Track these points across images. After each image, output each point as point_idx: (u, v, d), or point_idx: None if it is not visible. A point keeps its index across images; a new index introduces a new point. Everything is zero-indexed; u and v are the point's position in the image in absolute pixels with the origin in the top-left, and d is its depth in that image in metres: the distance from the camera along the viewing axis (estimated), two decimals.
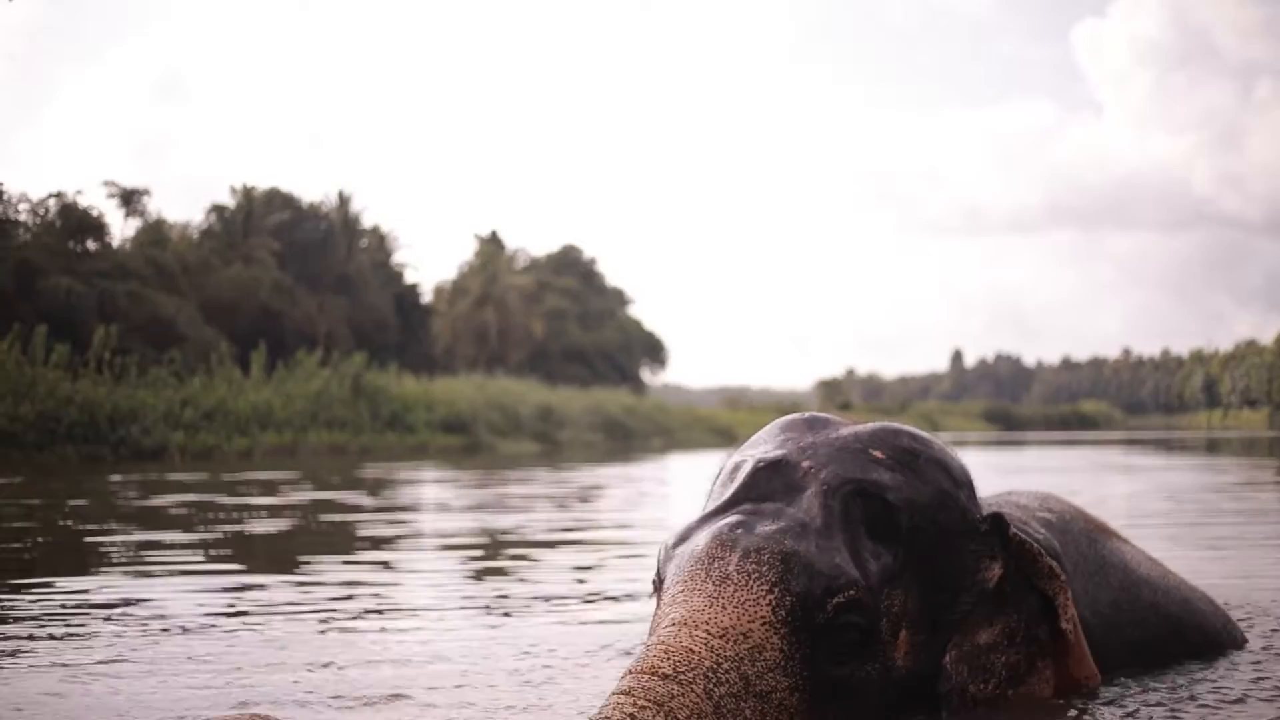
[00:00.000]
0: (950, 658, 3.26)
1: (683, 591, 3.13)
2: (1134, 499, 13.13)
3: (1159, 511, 11.23)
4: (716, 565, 3.12)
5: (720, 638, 2.99)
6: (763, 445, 3.51)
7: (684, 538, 3.29)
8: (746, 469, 3.39)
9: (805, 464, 3.33)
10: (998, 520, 3.40)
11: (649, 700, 2.87)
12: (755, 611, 3.02)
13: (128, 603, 5.74)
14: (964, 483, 3.45)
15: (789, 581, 3.04)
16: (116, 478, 18.24)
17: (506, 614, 5.46)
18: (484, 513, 12.03)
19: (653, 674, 2.93)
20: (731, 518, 3.25)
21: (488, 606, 5.70)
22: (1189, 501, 12.70)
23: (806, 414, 3.65)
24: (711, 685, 2.91)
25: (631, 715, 2.84)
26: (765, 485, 3.33)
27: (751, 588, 3.04)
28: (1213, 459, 27.16)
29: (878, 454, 3.36)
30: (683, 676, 2.91)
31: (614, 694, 2.92)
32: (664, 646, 2.99)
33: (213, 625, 5.15)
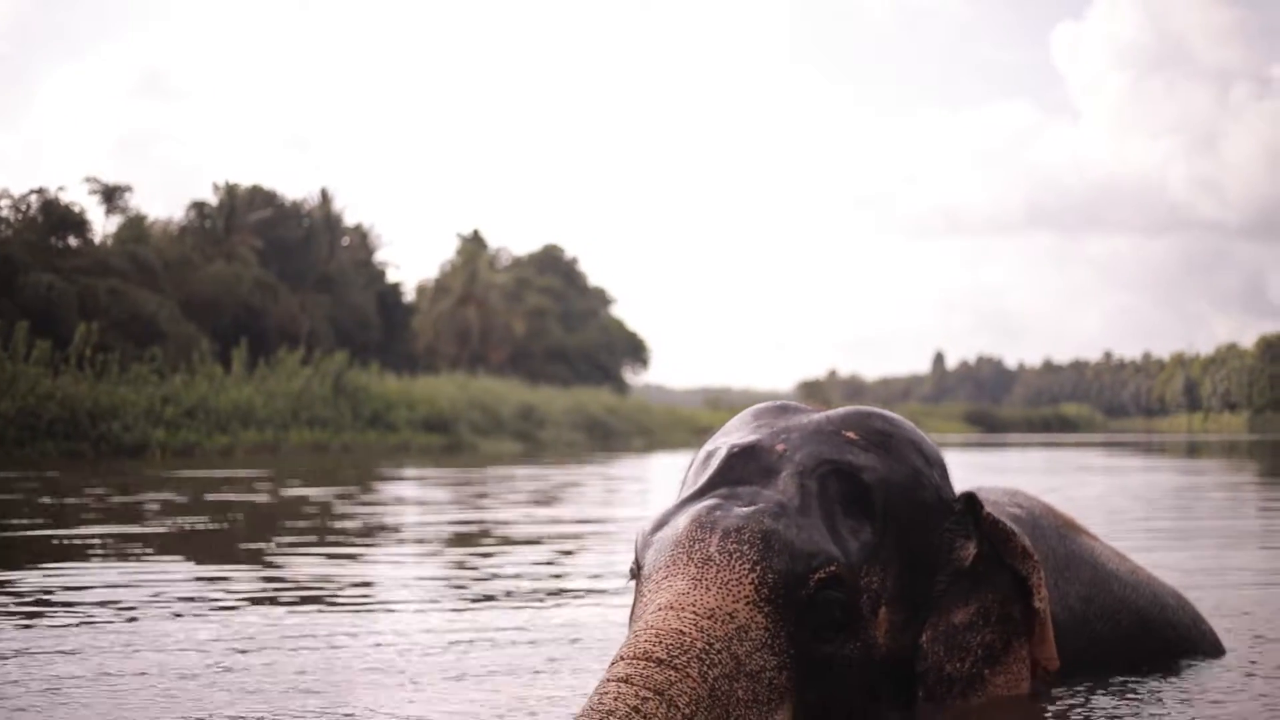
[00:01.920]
0: (926, 637, 3.29)
1: (666, 575, 3.14)
2: (1109, 499, 13.19)
3: (1131, 510, 11.29)
4: (698, 547, 3.14)
5: (708, 619, 3.00)
6: (736, 432, 3.55)
7: (661, 524, 3.30)
8: (721, 455, 3.42)
9: (779, 447, 3.37)
10: (971, 500, 3.43)
11: (649, 689, 2.87)
12: (739, 591, 3.04)
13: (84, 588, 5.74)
14: (936, 463, 3.49)
15: (770, 559, 3.06)
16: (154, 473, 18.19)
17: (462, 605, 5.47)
18: (456, 509, 12.03)
19: (647, 660, 2.93)
20: (709, 501, 3.27)
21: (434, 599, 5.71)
22: (1163, 502, 12.77)
23: (778, 402, 3.68)
24: (705, 668, 2.92)
25: (635, 708, 2.83)
26: (740, 470, 3.36)
27: (734, 567, 3.06)
28: (1192, 462, 27.27)
29: (851, 435, 3.40)
30: (677, 661, 2.92)
31: (610, 681, 2.91)
32: (654, 630, 2.99)
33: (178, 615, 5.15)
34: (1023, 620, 3.45)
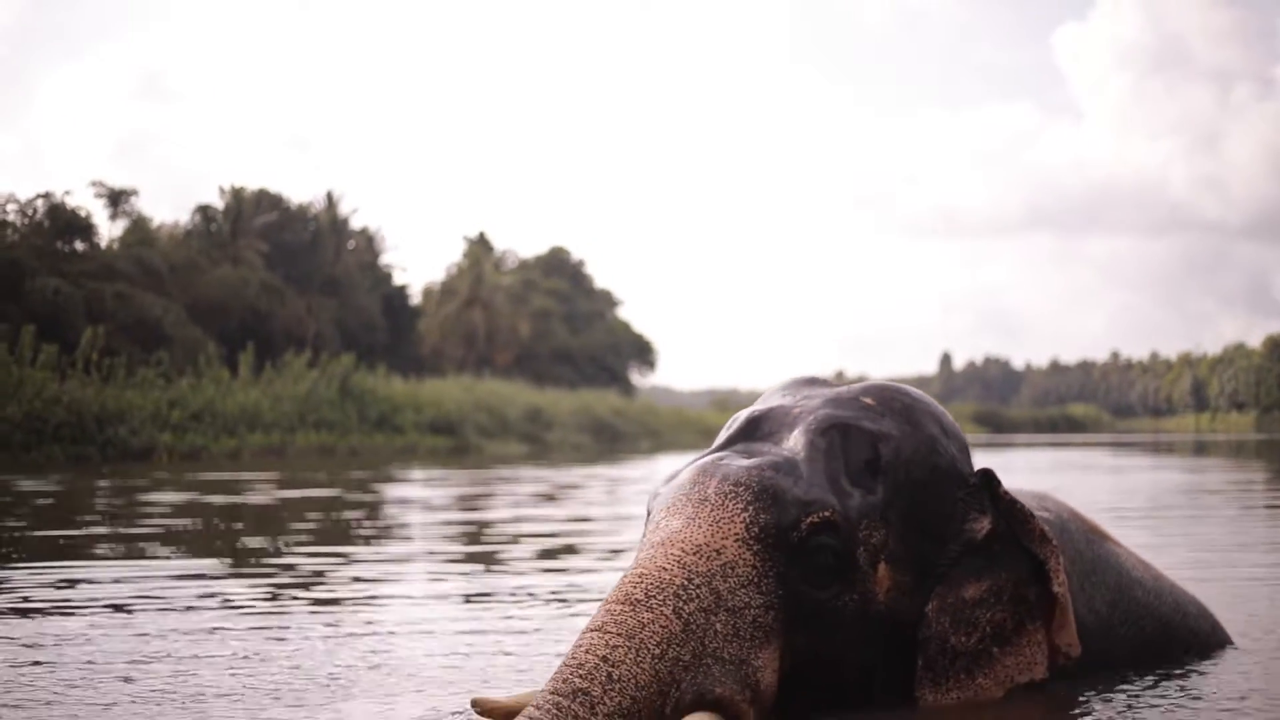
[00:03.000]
0: (932, 607, 3.31)
1: (665, 516, 3.27)
2: (1115, 497, 13.15)
3: (1136, 508, 11.26)
4: (696, 490, 3.26)
5: (694, 554, 3.10)
6: (763, 401, 3.65)
7: (672, 476, 3.43)
8: (741, 419, 3.56)
9: (796, 410, 3.47)
10: (988, 475, 3.46)
11: (620, 634, 2.99)
12: (729, 529, 3.14)
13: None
14: (955, 437, 3.52)
15: (764, 501, 3.16)
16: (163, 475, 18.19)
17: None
18: (462, 510, 12.01)
19: (625, 603, 3.05)
20: (717, 454, 3.42)
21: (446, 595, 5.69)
22: (1173, 502, 12.73)
23: (808, 375, 3.76)
24: (681, 603, 3.02)
25: (605, 657, 2.96)
26: (757, 431, 3.48)
27: (727, 507, 3.17)
28: (1199, 460, 27.22)
29: (869, 401, 3.48)
30: (653, 601, 3.03)
31: (587, 631, 3.03)
32: (639, 571, 3.11)
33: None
34: (1039, 605, 3.44)
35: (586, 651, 2.97)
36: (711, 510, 3.18)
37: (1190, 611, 4.22)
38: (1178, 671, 3.92)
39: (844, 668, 3.22)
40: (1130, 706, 3.51)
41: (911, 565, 3.30)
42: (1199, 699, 3.61)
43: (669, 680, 2.95)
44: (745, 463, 3.30)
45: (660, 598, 3.03)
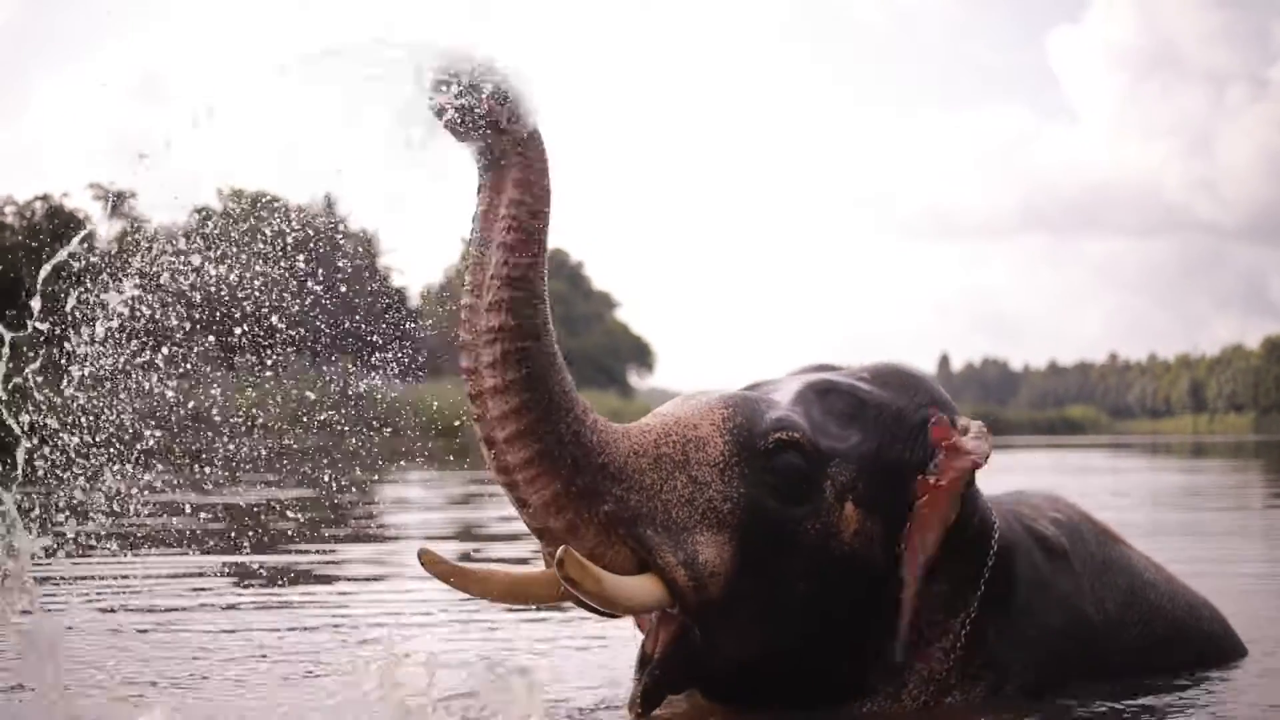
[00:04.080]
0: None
1: (654, 412, 3.45)
2: (1115, 497, 13.16)
3: (1136, 508, 11.27)
4: (690, 398, 3.44)
5: (674, 422, 3.27)
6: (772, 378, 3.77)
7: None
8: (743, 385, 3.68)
9: (799, 377, 3.62)
10: (950, 416, 3.49)
11: (611, 426, 3.20)
12: (708, 416, 3.29)
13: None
14: (948, 408, 3.55)
15: (742, 410, 3.32)
16: None
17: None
18: (455, 510, 12.00)
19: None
20: None
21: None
22: (1169, 501, 12.74)
23: (822, 363, 3.85)
24: (660, 440, 3.21)
25: (603, 421, 3.16)
26: (757, 388, 3.62)
27: (710, 402, 3.34)
28: (1197, 462, 27.23)
29: (864, 373, 3.61)
30: (638, 427, 3.26)
31: None
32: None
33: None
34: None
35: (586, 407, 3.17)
36: (695, 403, 3.35)
37: (1203, 615, 4.21)
38: (1191, 675, 3.92)
39: (797, 599, 3.26)
40: (1144, 709, 3.51)
41: (879, 512, 3.34)
42: (1213, 703, 3.62)
43: (630, 475, 3.12)
44: (732, 390, 3.49)
45: (643, 428, 3.24)
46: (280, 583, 6.55)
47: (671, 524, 3.13)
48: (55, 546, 3.72)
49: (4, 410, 3.52)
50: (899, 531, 3.35)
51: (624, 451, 3.13)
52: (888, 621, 3.32)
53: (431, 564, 3.31)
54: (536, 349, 3.04)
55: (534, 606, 5.06)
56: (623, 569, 3.11)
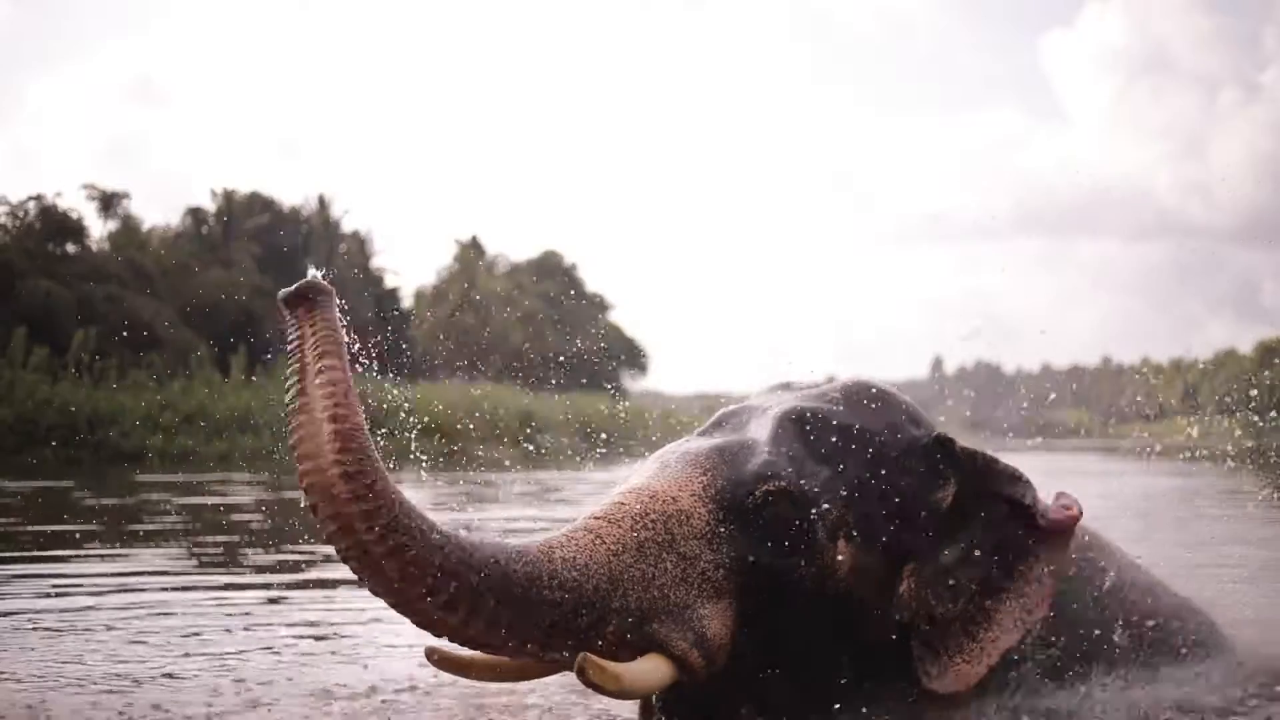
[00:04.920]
0: (908, 586, 3.29)
1: (626, 481, 3.34)
2: (1106, 501, 13.16)
3: (1129, 511, 11.26)
4: (659, 460, 3.34)
5: (651, 498, 3.17)
6: (737, 405, 3.70)
7: (641, 463, 3.48)
8: (716, 415, 3.62)
9: (765, 407, 3.52)
10: (941, 440, 3.46)
11: (580, 528, 3.08)
12: (686, 486, 3.19)
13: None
14: (924, 423, 3.52)
15: (721, 468, 3.23)
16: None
17: None
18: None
19: (588, 517, 3.14)
20: (685, 439, 3.49)
21: None
22: (1163, 504, 12.74)
23: (784, 381, 3.81)
24: (638, 528, 3.09)
25: (570, 536, 3.04)
26: (724, 425, 3.54)
27: (686, 470, 3.24)
28: (1190, 465, 27.24)
29: (834, 395, 3.53)
30: (612, 517, 3.11)
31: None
32: (599, 506, 3.19)
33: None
34: (1026, 542, 3.41)
35: (552, 537, 3.07)
36: (671, 472, 3.25)
37: (1188, 615, 4.23)
38: (1175, 675, 3.92)
39: (800, 644, 3.22)
40: (1129, 709, 3.52)
41: (879, 549, 3.28)
42: (1196, 703, 3.63)
43: (620, 579, 3.02)
44: (706, 441, 3.39)
45: (619, 515, 3.12)
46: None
47: (671, 608, 3.05)
48: None
49: None
50: (894, 559, 3.30)
51: (603, 561, 3.02)
52: (890, 650, 3.29)
53: (442, 663, 3.25)
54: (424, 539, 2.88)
55: None
56: (633, 655, 3.04)
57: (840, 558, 3.23)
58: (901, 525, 3.33)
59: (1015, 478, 3.46)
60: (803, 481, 3.23)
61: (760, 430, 3.38)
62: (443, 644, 3.20)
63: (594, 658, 2.89)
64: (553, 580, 2.94)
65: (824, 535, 3.21)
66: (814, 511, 3.21)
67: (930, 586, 3.31)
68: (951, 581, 3.33)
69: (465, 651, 3.17)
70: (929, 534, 3.35)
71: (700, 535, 3.13)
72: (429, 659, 3.23)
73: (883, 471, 3.34)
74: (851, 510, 3.27)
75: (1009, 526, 3.42)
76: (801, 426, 3.36)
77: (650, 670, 3.00)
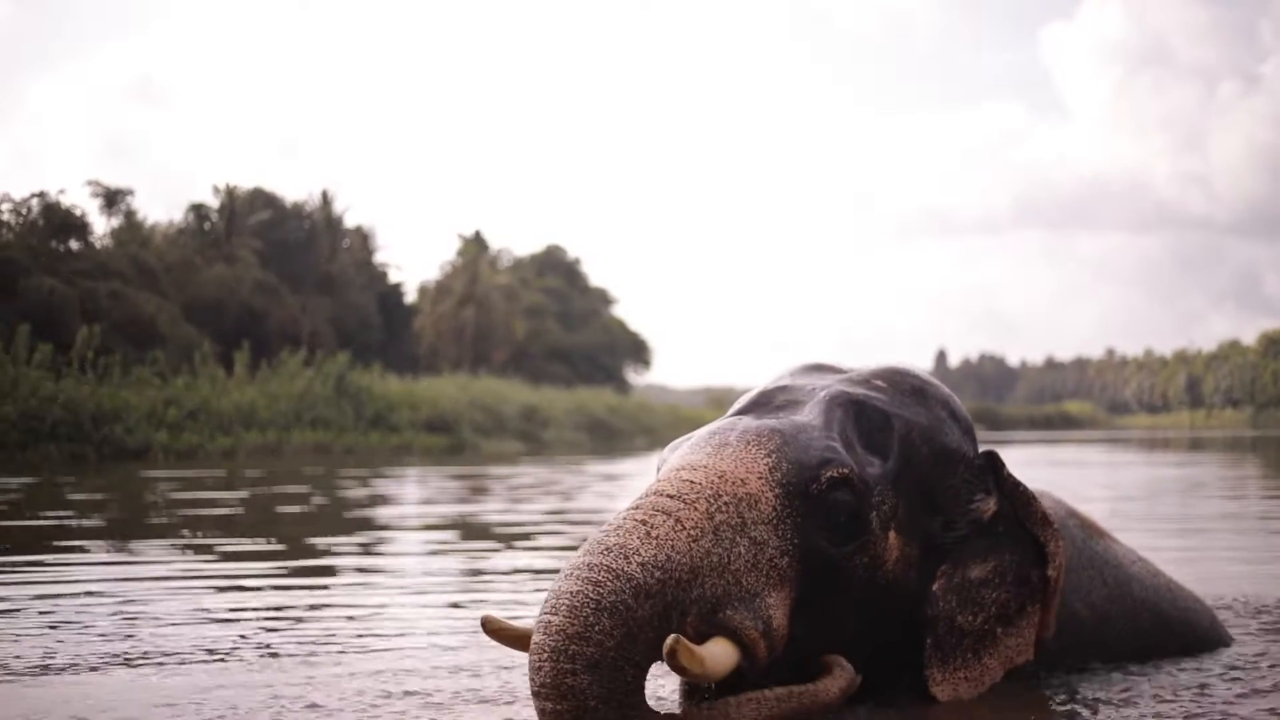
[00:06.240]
0: (939, 586, 3.32)
1: (682, 455, 3.25)
2: (1110, 491, 13.18)
3: (1132, 501, 11.28)
4: (717, 437, 3.25)
5: (720, 478, 3.09)
6: (774, 381, 3.65)
7: (683, 441, 3.42)
8: (754, 392, 3.58)
9: (809, 388, 3.48)
10: (992, 457, 3.50)
11: (658, 510, 2.99)
12: (753, 467, 3.13)
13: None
14: (962, 420, 3.56)
15: (785, 450, 3.16)
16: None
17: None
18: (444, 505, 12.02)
19: (657, 494, 3.05)
20: (732, 417, 3.41)
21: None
22: (1166, 494, 12.76)
23: (816, 361, 3.77)
24: (713, 509, 3.02)
25: (643, 521, 2.96)
26: (769, 404, 3.48)
27: (750, 450, 3.17)
28: (1193, 455, 27.25)
29: (880, 383, 3.52)
30: (686, 497, 3.03)
31: (620, 513, 3.04)
32: (666, 480, 3.11)
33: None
34: (1039, 587, 3.45)
35: (624, 519, 3.00)
36: (734, 451, 3.18)
37: (1188, 607, 4.25)
38: (1176, 666, 3.94)
39: (848, 634, 3.22)
40: (1127, 701, 3.52)
41: (917, 539, 3.32)
42: (1197, 693, 3.63)
43: (700, 567, 2.95)
44: (764, 420, 3.31)
45: (693, 497, 3.04)
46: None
47: (744, 594, 3.00)
48: None
49: None
50: (934, 553, 3.34)
51: (684, 550, 2.94)
52: (918, 638, 3.31)
53: (495, 632, 3.19)
54: None
55: None
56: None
57: (890, 547, 3.25)
58: (941, 525, 3.37)
59: (1047, 521, 3.48)
60: (862, 470, 3.23)
61: (813, 414, 3.35)
62: (496, 613, 3.22)
63: (685, 641, 2.83)
64: (639, 594, 2.86)
65: (877, 525, 3.22)
66: (871, 500, 3.22)
67: (957, 594, 3.34)
68: (976, 596, 3.36)
69: (519, 624, 3.18)
70: (963, 540, 3.39)
71: (768, 521, 3.08)
72: (484, 628, 3.18)
73: (930, 470, 3.38)
74: (900, 502, 3.29)
75: (1033, 569, 3.46)
76: (851, 413, 3.36)
77: (722, 654, 2.95)
